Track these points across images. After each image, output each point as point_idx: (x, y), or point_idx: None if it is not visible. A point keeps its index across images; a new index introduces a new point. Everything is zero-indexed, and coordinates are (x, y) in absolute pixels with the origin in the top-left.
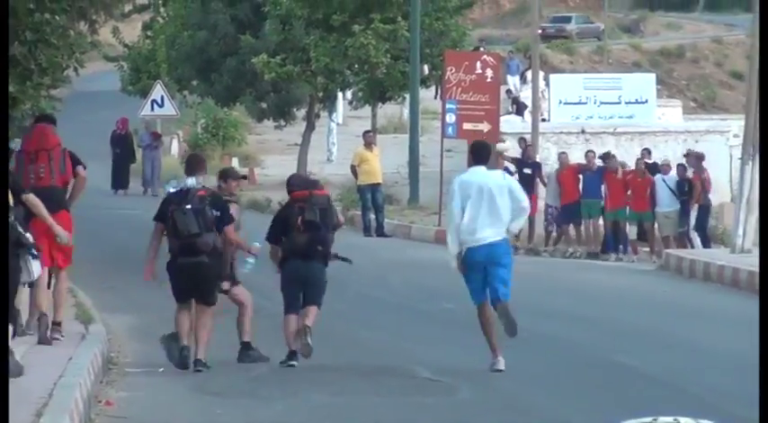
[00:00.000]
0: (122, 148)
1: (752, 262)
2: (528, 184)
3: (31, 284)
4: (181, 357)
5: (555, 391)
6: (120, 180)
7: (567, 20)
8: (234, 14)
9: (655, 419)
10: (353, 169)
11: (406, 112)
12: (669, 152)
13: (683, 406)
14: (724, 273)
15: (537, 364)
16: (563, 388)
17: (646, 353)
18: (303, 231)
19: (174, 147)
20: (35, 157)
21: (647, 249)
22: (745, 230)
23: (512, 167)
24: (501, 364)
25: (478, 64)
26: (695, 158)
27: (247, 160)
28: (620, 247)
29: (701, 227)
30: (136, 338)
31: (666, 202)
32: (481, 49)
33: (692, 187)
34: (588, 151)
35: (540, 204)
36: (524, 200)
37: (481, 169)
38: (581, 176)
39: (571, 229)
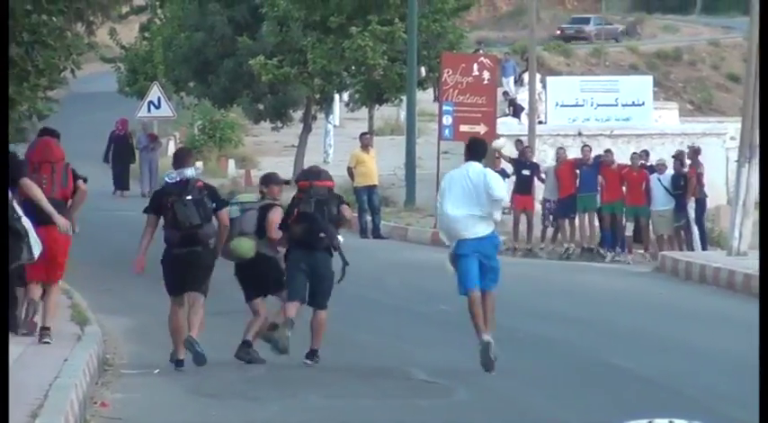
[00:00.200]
0: (122, 148)
1: (748, 264)
2: (527, 185)
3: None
4: (176, 365)
5: (551, 393)
6: (120, 181)
7: (587, 21)
8: (231, 16)
9: (650, 421)
10: (350, 171)
11: (403, 114)
12: (665, 155)
13: (678, 408)
14: (720, 275)
15: (533, 367)
16: (559, 390)
17: (641, 355)
18: (298, 222)
19: (171, 148)
20: (38, 167)
21: (641, 250)
22: (741, 233)
23: (509, 169)
24: (488, 337)
25: (475, 66)
26: (693, 152)
27: (244, 162)
28: (617, 245)
29: (699, 220)
30: (131, 340)
31: (661, 201)
32: (480, 51)
33: (687, 182)
34: (584, 145)
35: (537, 206)
36: (497, 190)
37: (473, 165)
38: (578, 171)
39: (566, 223)
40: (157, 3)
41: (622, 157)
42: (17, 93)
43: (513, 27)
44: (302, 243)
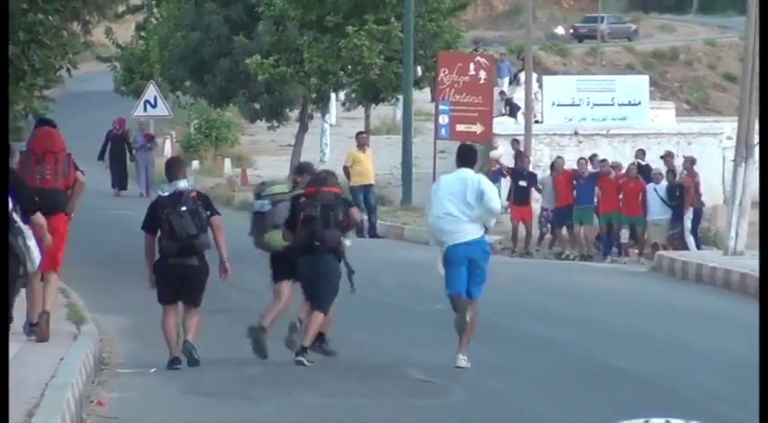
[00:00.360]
0: (119, 147)
1: (744, 264)
2: (524, 195)
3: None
4: (171, 367)
5: (547, 393)
6: (118, 180)
7: (600, 20)
8: (227, 15)
9: (647, 421)
10: (346, 170)
11: (399, 113)
12: (662, 154)
13: (674, 407)
14: (716, 275)
15: (529, 366)
16: (556, 390)
17: (638, 355)
18: (303, 227)
19: (168, 147)
20: (42, 158)
21: (636, 252)
22: (737, 232)
23: (504, 181)
24: (462, 362)
25: (472, 65)
26: (689, 162)
27: (240, 161)
28: (615, 250)
29: (695, 230)
30: (128, 339)
31: (657, 211)
32: (478, 50)
33: (683, 192)
34: (580, 158)
35: (536, 207)
36: (494, 201)
37: (466, 171)
38: (575, 183)
39: (564, 231)
40: (153, 2)
41: (618, 156)
42: (13, 92)
43: (510, 26)
44: (305, 248)
